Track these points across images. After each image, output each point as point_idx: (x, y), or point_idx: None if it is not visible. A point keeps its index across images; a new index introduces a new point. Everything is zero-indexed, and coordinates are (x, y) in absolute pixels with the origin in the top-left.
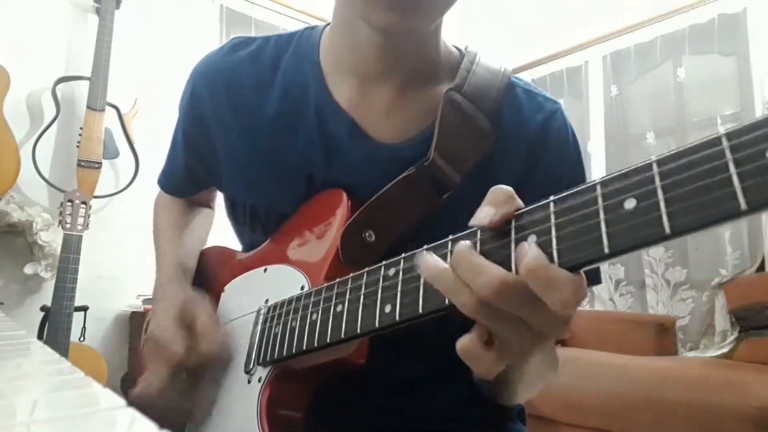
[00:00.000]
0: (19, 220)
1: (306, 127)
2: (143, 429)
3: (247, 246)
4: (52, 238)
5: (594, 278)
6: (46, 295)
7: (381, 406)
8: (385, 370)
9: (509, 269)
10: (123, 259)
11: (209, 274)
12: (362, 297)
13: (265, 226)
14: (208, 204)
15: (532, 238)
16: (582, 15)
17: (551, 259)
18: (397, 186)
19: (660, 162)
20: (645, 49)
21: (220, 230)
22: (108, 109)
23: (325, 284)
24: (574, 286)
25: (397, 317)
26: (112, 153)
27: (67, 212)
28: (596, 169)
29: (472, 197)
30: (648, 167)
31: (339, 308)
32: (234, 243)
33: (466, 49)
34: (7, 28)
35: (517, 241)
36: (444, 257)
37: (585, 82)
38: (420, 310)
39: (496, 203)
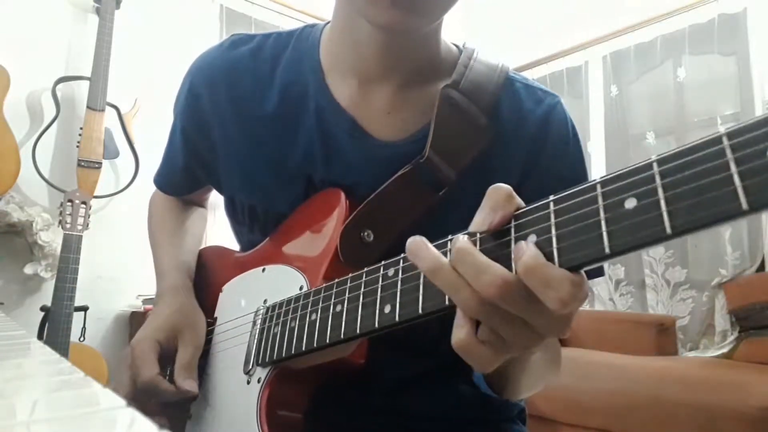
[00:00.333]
0: (19, 220)
1: (305, 127)
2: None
3: (246, 246)
4: (52, 238)
5: (596, 272)
6: (46, 295)
7: (381, 406)
8: (384, 371)
9: (509, 268)
10: (123, 259)
11: (207, 274)
12: (361, 297)
13: (263, 226)
14: (202, 204)
15: (532, 238)
16: (582, 15)
17: (551, 259)
18: (394, 184)
19: (660, 161)
20: (645, 49)
21: (219, 230)
22: (108, 109)
23: (324, 284)
24: (572, 285)
25: (397, 317)
26: (112, 153)
27: (67, 212)
28: (596, 169)
29: (470, 193)
30: (648, 166)
31: (338, 308)
32: (231, 243)
33: (464, 46)
34: (7, 28)
35: (517, 240)
36: (444, 255)
37: (585, 82)
38: (420, 311)
39: (495, 204)
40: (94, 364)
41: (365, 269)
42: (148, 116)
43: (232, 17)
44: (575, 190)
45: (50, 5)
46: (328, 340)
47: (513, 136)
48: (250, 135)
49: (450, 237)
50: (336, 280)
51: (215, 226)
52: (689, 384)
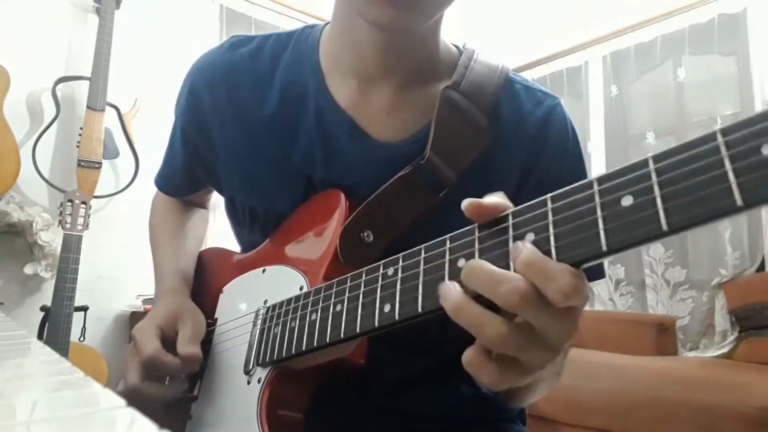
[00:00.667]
0: (19, 220)
1: (305, 128)
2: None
3: (246, 247)
4: (52, 238)
5: (596, 273)
6: (46, 295)
7: (381, 405)
8: (384, 370)
9: (507, 267)
10: (123, 259)
11: (207, 276)
12: (361, 296)
13: (263, 227)
14: (203, 205)
15: (530, 236)
16: (582, 15)
17: (549, 257)
18: (394, 185)
19: (656, 159)
20: (645, 49)
21: (219, 231)
22: (108, 109)
23: (324, 284)
24: (572, 276)
25: (397, 316)
26: (112, 153)
27: (67, 212)
28: (596, 169)
29: (470, 194)
30: (644, 164)
31: (338, 308)
32: (232, 244)
33: (464, 47)
34: (7, 28)
35: (515, 239)
36: (442, 255)
37: (585, 82)
38: (419, 309)
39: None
40: (94, 364)
41: (365, 269)
42: (148, 116)
43: (232, 17)
44: (572, 188)
45: (50, 5)
46: (328, 340)
47: (513, 138)
48: (250, 136)
49: (449, 235)
50: (336, 280)
51: (216, 227)
52: (689, 384)
